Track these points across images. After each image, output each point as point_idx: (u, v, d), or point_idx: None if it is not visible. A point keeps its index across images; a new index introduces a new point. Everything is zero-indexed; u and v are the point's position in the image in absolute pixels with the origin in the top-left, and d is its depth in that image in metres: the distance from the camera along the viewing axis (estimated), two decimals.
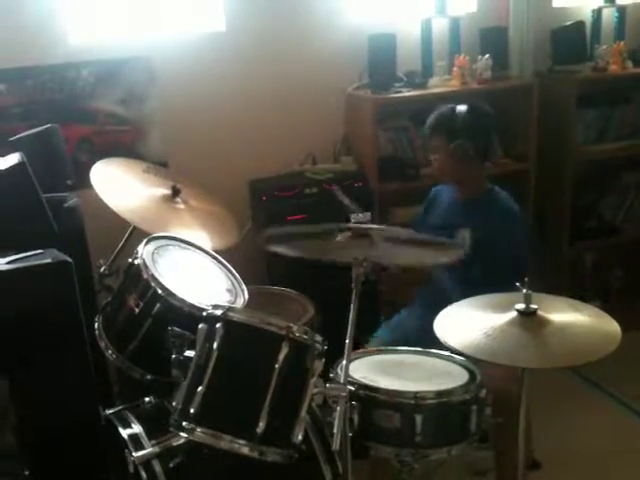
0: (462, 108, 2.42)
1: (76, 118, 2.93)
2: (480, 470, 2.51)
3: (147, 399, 1.99)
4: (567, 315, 1.73)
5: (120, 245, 2.34)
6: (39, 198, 2.19)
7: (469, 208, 2.44)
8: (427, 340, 1.89)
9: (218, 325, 1.68)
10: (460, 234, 2.33)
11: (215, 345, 1.67)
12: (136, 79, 2.96)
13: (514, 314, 1.71)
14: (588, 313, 1.76)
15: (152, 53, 2.94)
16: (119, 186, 2.30)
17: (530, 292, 1.71)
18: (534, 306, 1.71)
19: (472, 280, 2.19)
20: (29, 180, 2.16)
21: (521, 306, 1.71)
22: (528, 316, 1.70)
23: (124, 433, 1.86)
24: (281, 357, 1.65)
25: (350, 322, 1.71)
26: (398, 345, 2.14)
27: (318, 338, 1.72)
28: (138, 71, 2.95)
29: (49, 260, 1.82)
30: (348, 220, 1.89)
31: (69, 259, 1.84)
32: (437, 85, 3.21)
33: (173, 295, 1.88)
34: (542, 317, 1.70)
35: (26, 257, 1.84)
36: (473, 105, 2.44)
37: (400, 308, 2.58)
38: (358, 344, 2.08)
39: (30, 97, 2.84)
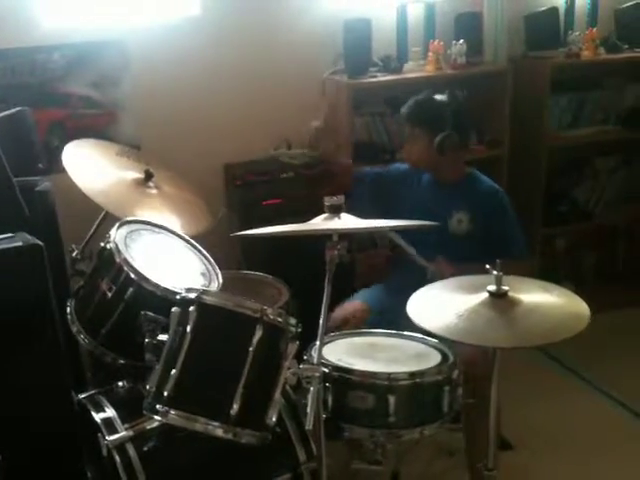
0: (442, 98, 2.42)
1: (48, 102, 2.88)
2: (452, 450, 2.54)
3: (120, 383, 1.98)
4: (537, 296, 1.76)
5: (92, 229, 2.33)
6: (10, 181, 2.16)
7: (453, 192, 2.45)
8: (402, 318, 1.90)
9: (191, 308, 1.68)
10: (455, 217, 2.40)
11: (189, 328, 1.67)
12: (109, 62, 2.92)
13: (485, 295, 1.73)
14: (557, 294, 1.79)
15: (125, 36, 2.90)
16: (91, 168, 2.27)
17: (501, 274, 1.73)
18: (505, 287, 1.73)
19: (470, 257, 2.22)
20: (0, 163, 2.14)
21: (492, 287, 1.73)
22: (499, 297, 1.72)
23: (97, 417, 1.85)
24: (255, 340, 1.66)
25: (324, 304, 1.71)
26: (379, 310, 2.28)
27: (292, 321, 1.73)
28: (111, 54, 2.91)
29: (20, 243, 1.80)
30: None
31: (40, 242, 1.81)
32: (412, 70, 3.21)
33: (146, 279, 1.87)
34: (513, 298, 1.72)
35: None
36: (451, 94, 2.45)
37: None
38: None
39: (0, 80, 2.79)
